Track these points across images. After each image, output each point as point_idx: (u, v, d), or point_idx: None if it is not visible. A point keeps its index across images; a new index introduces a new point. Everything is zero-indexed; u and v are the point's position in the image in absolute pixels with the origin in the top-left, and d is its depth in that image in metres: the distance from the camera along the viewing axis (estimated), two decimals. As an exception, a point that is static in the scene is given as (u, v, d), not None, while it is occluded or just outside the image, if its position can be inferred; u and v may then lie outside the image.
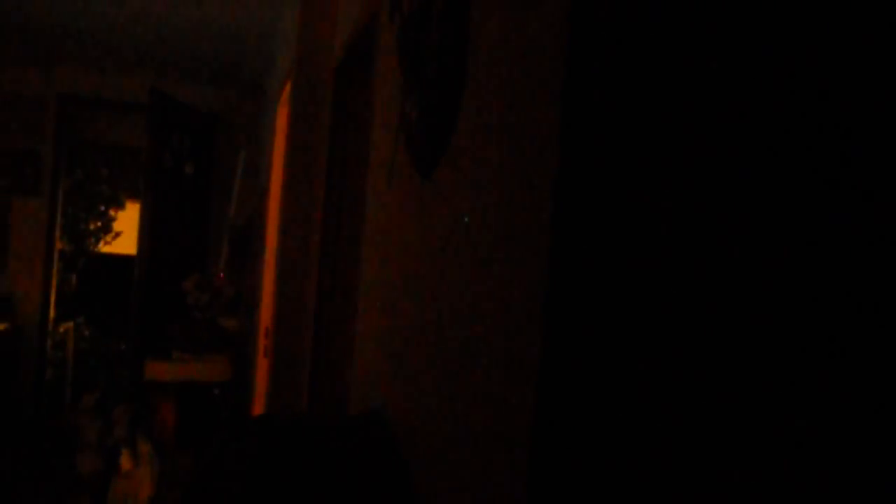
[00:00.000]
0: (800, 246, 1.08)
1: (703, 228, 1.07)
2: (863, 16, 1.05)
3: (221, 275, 6.43)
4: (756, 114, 1.09)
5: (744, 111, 1.09)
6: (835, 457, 1.06)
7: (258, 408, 4.87)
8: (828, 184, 1.08)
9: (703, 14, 1.08)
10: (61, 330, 7.96)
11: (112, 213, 9.30)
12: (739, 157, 1.08)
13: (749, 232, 1.08)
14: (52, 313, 7.61)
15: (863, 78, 1.07)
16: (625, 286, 1.05)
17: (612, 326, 1.04)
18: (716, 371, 1.07)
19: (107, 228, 9.23)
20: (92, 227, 9.11)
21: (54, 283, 7.60)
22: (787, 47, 1.08)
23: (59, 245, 7.85)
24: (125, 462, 4.97)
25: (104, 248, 9.27)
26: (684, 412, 1.05)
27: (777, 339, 1.08)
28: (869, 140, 1.07)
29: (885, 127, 1.06)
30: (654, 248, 1.06)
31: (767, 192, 1.09)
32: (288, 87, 4.55)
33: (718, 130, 1.08)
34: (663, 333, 1.05)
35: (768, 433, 1.07)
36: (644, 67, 1.07)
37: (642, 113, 1.07)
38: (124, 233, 9.38)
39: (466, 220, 1.22)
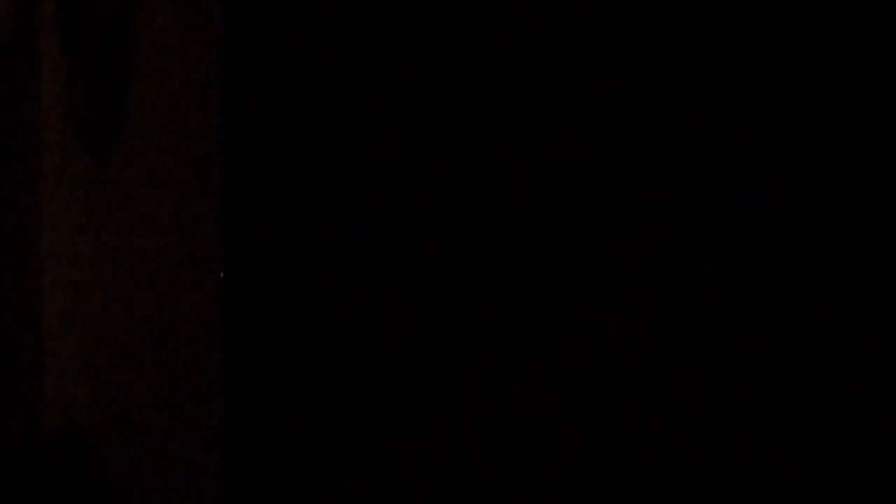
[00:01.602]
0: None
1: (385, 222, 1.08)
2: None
3: None
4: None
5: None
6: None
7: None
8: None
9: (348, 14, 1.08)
10: None
11: None
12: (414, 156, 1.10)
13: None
14: None
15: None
16: (301, 281, 1.03)
17: (292, 323, 1.02)
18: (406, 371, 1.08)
19: None
20: None
21: None
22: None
23: None
24: None
25: None
26: (380, 410, 1.06)
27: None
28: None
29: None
30: (332, 242, 1.06)
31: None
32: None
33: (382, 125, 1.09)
34: (347, 328, 1.05)
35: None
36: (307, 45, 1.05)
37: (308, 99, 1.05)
38: None
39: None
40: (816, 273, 1.13)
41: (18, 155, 3.23)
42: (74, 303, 2.02)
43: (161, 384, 1.27)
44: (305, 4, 1.04)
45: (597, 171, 1.12)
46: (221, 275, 0.99)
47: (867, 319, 1.13)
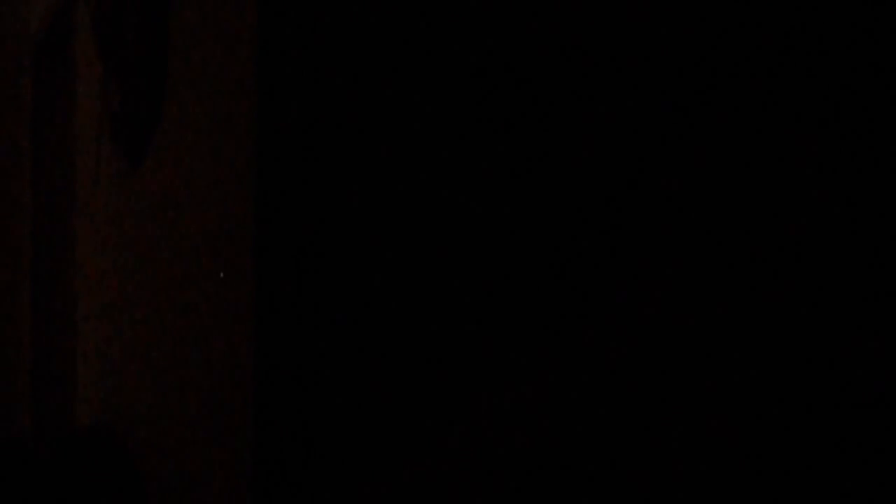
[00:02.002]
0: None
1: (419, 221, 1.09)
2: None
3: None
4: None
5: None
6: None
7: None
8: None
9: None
10: None
11: None
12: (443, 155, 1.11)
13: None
14: None
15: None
16: (332, 276, 1.04)
17: (324, 320, 1.03)
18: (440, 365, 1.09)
19: None
20: None
21: None
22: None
23: None
24: None
25: None
26: (408, 407, 1.07)
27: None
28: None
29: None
30: (363, 239, 1.07)
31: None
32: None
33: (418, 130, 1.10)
34: (379, 328, 1.06)
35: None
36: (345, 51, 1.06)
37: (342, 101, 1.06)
38: None
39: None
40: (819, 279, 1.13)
41: (55, 156, 3.28)
42: (106, 302, 2.05)
43: (192, 383, 1.29)
44: (340, 10, 1.05)
45: (613, 180, 1.12)
46: (255, 277, 1.00)
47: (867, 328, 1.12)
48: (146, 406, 1.62)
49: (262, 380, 1.01)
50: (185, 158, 1.38)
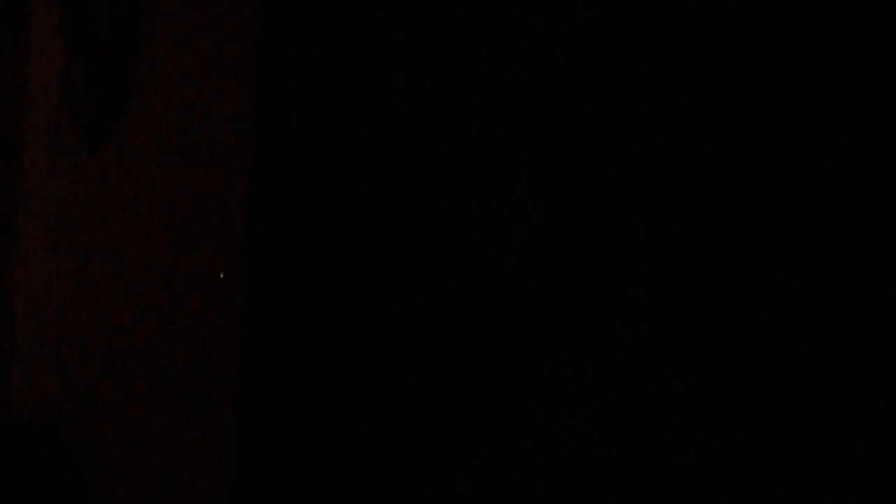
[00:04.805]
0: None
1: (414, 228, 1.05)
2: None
3: None
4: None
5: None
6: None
7: None
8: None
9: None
10: None
11: None
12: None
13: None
14: None
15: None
16: (324, 274, 1.00)
17: (317, 321, 0.99)
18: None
19: None
20: None
21: None
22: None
23: None
24: None
25: None
26: (394, 415, 1.03)
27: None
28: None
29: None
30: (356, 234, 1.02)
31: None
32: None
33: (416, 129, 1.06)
34: (377, 330, 1.02)
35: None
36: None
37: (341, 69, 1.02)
38: None
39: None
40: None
41: (6, 134, 3.14)
42: (54, 294, 1.96)
43: (160, 380, 1.23)
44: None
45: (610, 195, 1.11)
46: (246, 268, 0.95)
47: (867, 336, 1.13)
48: (103, 404, 1.55)
49: (246, 378, 0.95)
50: (160, 145, 1.31)
